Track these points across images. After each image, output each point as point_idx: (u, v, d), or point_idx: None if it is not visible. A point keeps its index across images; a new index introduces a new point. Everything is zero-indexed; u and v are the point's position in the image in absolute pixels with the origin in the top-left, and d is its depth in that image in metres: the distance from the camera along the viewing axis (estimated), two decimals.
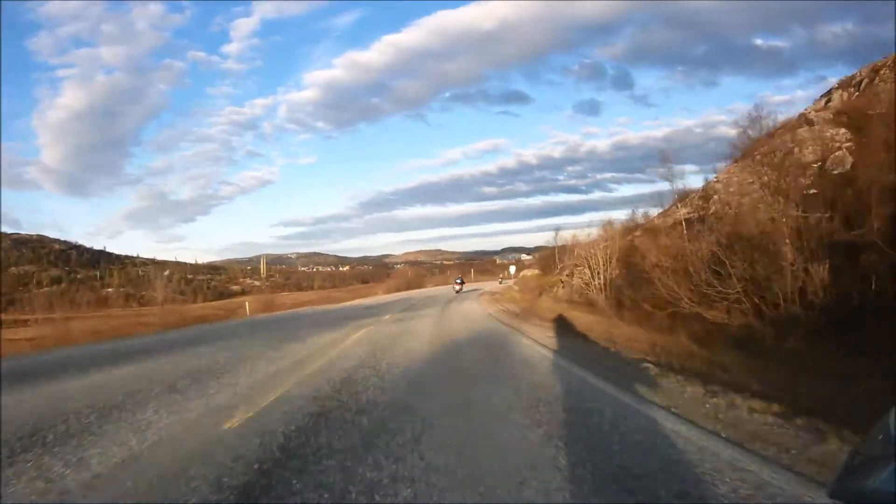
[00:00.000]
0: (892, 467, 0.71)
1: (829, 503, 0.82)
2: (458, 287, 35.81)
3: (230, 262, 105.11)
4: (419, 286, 52.94)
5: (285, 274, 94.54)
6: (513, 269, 43.32)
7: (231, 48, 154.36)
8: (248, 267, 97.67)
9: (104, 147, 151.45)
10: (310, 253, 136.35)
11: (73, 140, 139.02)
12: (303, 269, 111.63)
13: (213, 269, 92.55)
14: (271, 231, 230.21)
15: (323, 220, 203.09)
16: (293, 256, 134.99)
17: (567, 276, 21.03)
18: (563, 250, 35.03)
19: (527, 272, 50.56)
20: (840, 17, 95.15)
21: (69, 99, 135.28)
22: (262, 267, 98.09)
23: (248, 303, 25.23)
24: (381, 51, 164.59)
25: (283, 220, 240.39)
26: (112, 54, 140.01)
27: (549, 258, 37.98)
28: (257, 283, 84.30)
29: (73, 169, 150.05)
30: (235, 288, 69.54)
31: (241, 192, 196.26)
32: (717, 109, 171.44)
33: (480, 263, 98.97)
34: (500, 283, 42.01)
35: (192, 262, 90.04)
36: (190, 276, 75.24)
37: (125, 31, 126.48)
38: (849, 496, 0.79)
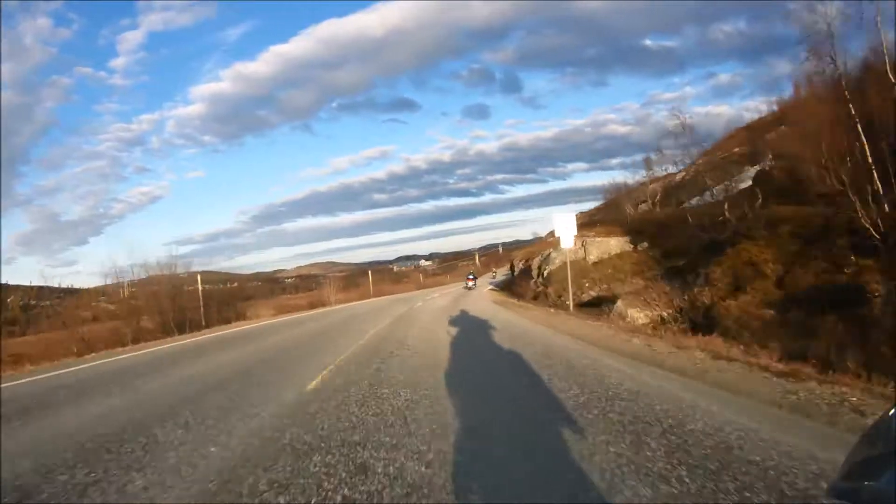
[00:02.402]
0: (894, 467, 0.70)
1: (830, 503, 0.81)
2: (470, 283, 33.78)
3: (121, 285, 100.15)
4: (243, 316, 23.69)
5: None
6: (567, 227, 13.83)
7: (118, 62, 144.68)
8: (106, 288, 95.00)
9: None
10: (201, 272, 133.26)
11: None
12: (189, 288, 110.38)
13: (67, 291, 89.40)
14: (165, 250, 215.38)
15: (214, 237, 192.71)
16: (183, 276, 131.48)
17: None
18: None
19: (574, 244, 15.98)
20: (732, 16, 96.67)
21: None
22: (124, 288, 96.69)
23: None
24: (268, 61, 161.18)
25: (175, 239, 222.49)
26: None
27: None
28: (112, 306, 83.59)
29: None
30: (86, 314, 70.37)
31: (132, 209, 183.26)
32: (606, 108, 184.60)
33: (378, 270, 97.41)
34: (494, 277, 35.44)
35: (57, 285, 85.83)
36: (33, 302, 73.13)
37: (13, 47, 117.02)
38: (850, 496, 0.78)
